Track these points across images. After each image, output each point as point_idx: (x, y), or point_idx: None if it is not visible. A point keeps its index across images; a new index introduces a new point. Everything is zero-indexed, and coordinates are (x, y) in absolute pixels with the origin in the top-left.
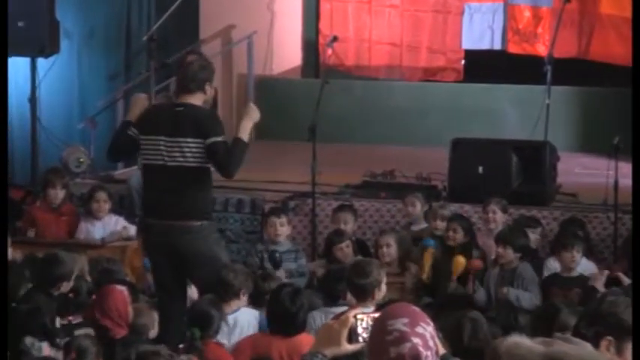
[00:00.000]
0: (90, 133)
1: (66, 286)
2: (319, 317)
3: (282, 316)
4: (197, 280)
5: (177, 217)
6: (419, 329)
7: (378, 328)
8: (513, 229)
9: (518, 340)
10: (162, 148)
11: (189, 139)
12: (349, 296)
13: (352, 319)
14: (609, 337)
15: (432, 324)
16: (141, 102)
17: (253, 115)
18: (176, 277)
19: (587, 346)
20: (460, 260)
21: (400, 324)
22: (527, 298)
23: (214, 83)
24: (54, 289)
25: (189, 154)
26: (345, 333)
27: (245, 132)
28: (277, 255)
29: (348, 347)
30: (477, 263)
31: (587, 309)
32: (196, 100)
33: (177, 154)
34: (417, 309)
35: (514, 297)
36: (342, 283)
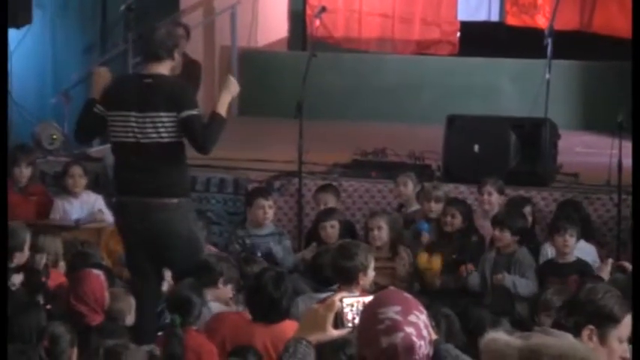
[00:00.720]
0: (64, 108)
1: (19, 257)
2: (304, 304)
3: (265, 302)
4: (173, 261)
5: (153, 194)
6: (412, 318)
7: (369, 316)
8: (511, 211)
9: (496, 336)
10: (132, 124)
11: (161, 114)
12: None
13: (338, 303)
14: (590, 327)
15: (425, 312)
16: (103, 76)
17: (232, 88)
18: (151, 260)
19: (568, 337)
20: (423, 259)
21: (392, 312)
22: (525, 284)
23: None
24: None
25: (162, 130)
26: (330, 318)
27: (223, 106)
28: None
29: (334, 333)
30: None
31: (566, 299)
32: (165, 69)
33: (149, 130)
34: (409, 296)
35: (510, 283)
36: (328, 267)
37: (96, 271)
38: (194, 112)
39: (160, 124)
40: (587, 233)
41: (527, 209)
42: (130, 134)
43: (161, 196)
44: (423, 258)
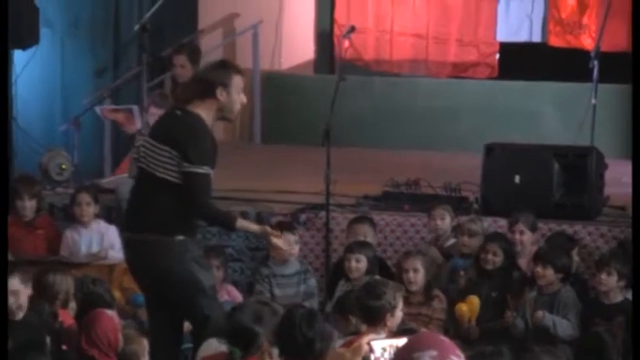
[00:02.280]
0: (73, 136)
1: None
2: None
3: (300, 342)
4: (171, 302)
5: (147, 229)
6: None
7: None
8: (553, 247)
9: None
10: (144, 149)
11: (166, 147)
12: (356, 320)
13: (366, 347)
14: None
15: (462, 356)
16: None
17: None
18: (156, 300)
19: None
20: (474, 303)
21: (428, 357)
22: (565, 326)
23: (235, 89)
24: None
25: (162, 164)
26: None
27: (242, 225)
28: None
29: None
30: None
31: None
32: (204, 108)
33: (152, 160)
34: (445, 339)
35: (550, 323)
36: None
37: (109, 312)
38: (200, 170)
39: (163, 158)
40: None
41: (575, 250)
42: (143, 160)
43: (155, 233)
44: (463, 307)
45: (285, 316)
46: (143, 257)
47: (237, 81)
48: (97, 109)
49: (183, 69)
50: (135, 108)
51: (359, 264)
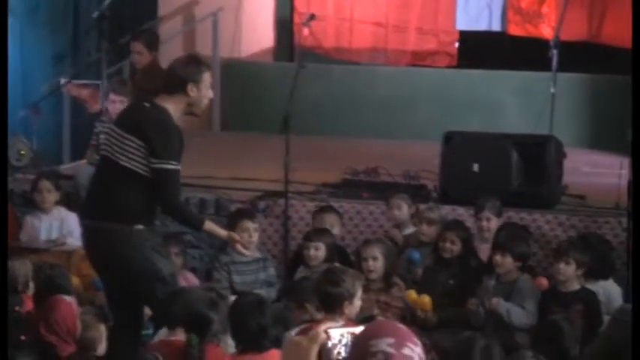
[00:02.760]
0: (33, 122)
1: None
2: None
3: (253, 330)
4: (132, 290)
5: (107, 218)
6: (406, 350)
7: (359, 348)
8: (513, 235)
9: None
10: (108, 138)
11: (132, 137)
12: (311, 308)
13: (323, 335)
14: None
15: (420, 344)
16: None
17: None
18: (115, 287)
19: None
20: (412, 296)
21: (385, 344)
22: (520, 314)
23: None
24: None
25: (126, 153)
26: (315, 350)
27: (209, 228)
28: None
29: None
30: (544, 282)
31: None
32: (173, 102)
33: (119, 150)
34: (403, 327)
35: (504, 310)
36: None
37: (67, 298)
38: (169, 166)
39: (126, 147)
40: (609, 271)
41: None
42: (106, 148)
43: (115, 222)
44: (412, 295)
45: (234, 305)
46: (102, 245)
47: (207, 77)
48: (62, 81)
49: (140, 55)
50: (101, 84)
51: (317, 252)
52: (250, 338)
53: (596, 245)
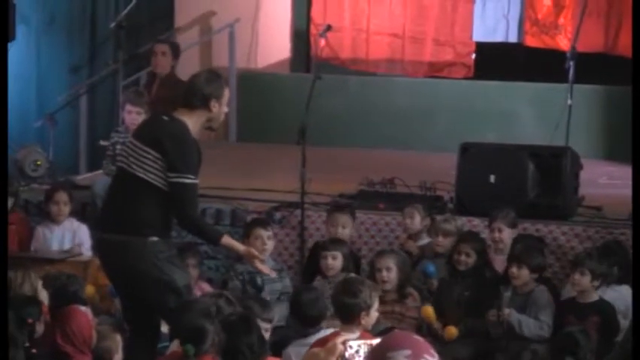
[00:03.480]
0: (49, 132)
1: None
2: (295, 354)
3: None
4: (147, 302)
5: (121, 230)
6: None
7: (376, 359)
8: (528, 247)
9: None
10: (126, 150)
11: (151, 151)
12: (329, 320)
13: (341, 346)
14: None
15: (437, 356)
16: None
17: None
18: (130, 300)
19: None
20: (428, 311)
21: (402, 356)
22: (532, 325)
23: (225, 101)
24: None
25: (145, 166)
26: None
27: (227, 242)
28: (259, 279)
29: None
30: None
31: None
32: (193, 116)
33: (134, 161)
34: (420, 339)
35: (516, 321)
36: (319, 304)
37: (83, 308)
38: (187, 180)
39: (144, 159)
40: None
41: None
42: (123, 159)
43: (130, 234)
44: (429, 311)
45: (223, 327)
46: (116, 257)
47: (227, 93)
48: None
49: (163, 57)
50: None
51: (335, 261)
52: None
53: (617, 250)
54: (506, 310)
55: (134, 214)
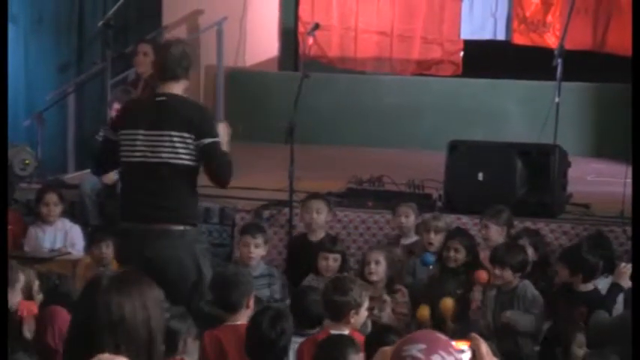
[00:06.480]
0: (37, 131)
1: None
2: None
3: (260, 343)
4: (176, 293)
5: (156, 220)
6: (435, 357)
7: (394, 353)
8: (510, 247)
9: None
10: (138, 142)
11: (174, 133)
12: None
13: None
14: None
15: (454, 354)
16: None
17: (224, 133)
18: None
19: None
20: (423, 311)
21: (415, 350)
22: (527, 321)
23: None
24: None
25: (173, 150)
26: None
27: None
28: None
29: None
30: (483, 276)
31: None
32: (179, 88)
33: (159, 149)
34: (441, 336)
35: (514, 321)
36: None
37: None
38: (216, 139)
39: (170, 144)
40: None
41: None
42: (137, 153)
43: (165, 222)
44: (424, 311)
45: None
46: (147, 248)
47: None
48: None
49: (145, 57)
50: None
51: (335, 263)
52: (257, 352)
53: (602, 242)
54: (507, 313)
55: (169, 202)
